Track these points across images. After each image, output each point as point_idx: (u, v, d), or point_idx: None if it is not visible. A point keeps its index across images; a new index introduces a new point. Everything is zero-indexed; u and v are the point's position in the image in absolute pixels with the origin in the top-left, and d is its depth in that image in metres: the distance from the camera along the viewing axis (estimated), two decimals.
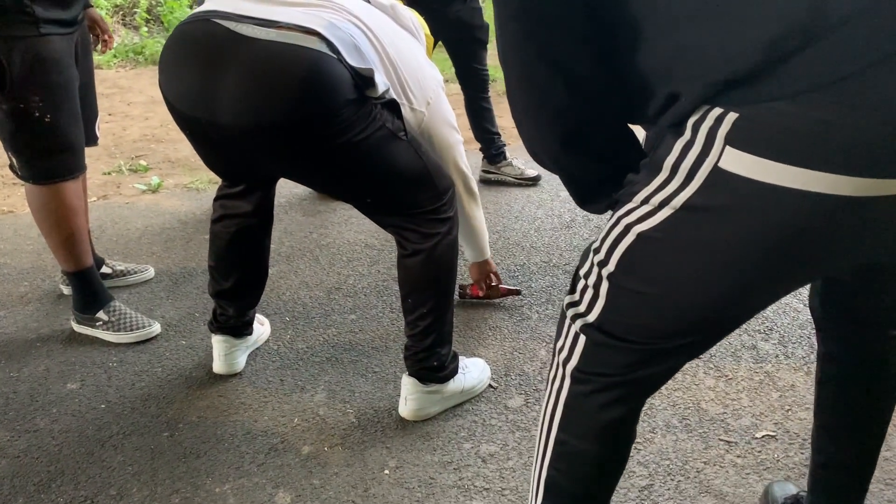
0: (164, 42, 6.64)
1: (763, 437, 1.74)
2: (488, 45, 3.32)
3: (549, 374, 1.10)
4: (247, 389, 1.96)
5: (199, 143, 1.63)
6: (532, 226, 3.01)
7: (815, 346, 2.07)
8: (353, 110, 1.45)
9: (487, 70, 3.32)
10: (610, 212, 1.02)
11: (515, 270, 2.62)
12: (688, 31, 0.79)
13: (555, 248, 2.80)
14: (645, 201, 0.87)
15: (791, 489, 1.49)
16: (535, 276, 2.57)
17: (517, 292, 2.41)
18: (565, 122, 0.93)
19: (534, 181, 3.46)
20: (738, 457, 1.68)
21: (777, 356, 2.06)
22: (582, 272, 1.01)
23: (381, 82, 1.50)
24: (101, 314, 2.18)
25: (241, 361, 2.04)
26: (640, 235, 0.89)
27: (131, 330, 2.18)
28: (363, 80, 1.45)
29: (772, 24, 0.72)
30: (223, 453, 1.71)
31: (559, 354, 1.06)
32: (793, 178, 0.74)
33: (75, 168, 2.05)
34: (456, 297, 2.42)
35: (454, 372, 1.85)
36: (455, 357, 1.86)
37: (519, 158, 3.55)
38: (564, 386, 1.05)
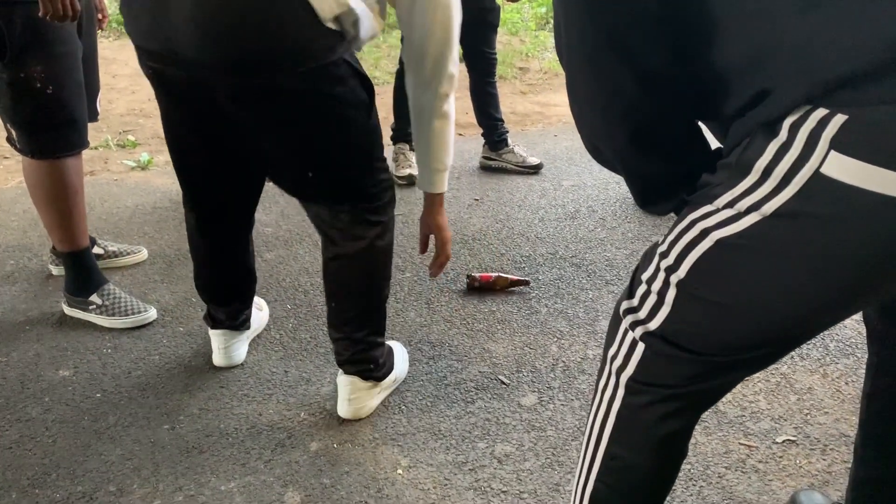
0: None
1: (784, 441, 1.70)
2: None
3: (598, 383, 1.04)
4: (249, 381, 1.88)
5: (163, 94, 1.51)
6: (536, 216, 2.95)
7: (829, 349, 2.05)
8: (325, 51, 1.34)
9: (496, 54, 3.24)
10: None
11: (521, 262, 2.55)
12: (785, 25, 0.73)
13: (560, 239, 2.74)
14: (729, 205, 0.81)
15: (819, 499, 1.46)
16: (542, 269, 2.50)
17: (526, 282, 2.36)
18: (634, 117, 0.87)
19: (535, 169, 3.39)
20: (760, 462, 1.63)
21: (792, 357, 2.02)
22: (644, 276, 0.95)
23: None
24: (94, 297, 2.08)
25: (241, 353, 1.96)
26: (719, 241, 0.82)
27: (126, 315, 2.08)
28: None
29: None
30: (228, 448, 1.64)
31: (612, 362, 1.00)
32: None
33: (77, 143, 1.95)
34: (464, 285, 2.36)
35: (390, 368, 1.80)
36: (390, 352, 1.82)
37: (520, 146, 3.48)
38: (618, 396, 0.99)
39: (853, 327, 2.13)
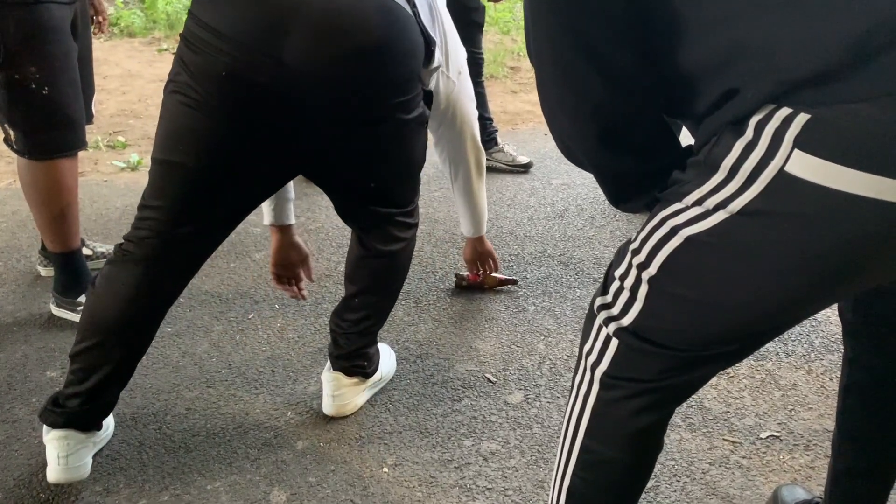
0: (139, 14, 6.36)
1: (767, 437, 1.71)
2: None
3: (574, 378, 1.05)
4: (237, 380, 1.88)
5: (222, 100, 1.27)
6: (525, 214, 2.96)
7: (814, 345, 2.06)
8: (416, 85, 1.40)
9: (482, 53, 3.25)
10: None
11: (510, 260, 2.56)
12: (751, 25, 0.74)
13: (549, 237, 2.75)
14: (697, 203, 0.82)
15: (801, 494, 1.47)
16: (530, 267, 2.51)
17: (514, 281, 2.36)
18: (604, 117, 0.88)
19: (525, 168, 3.40)
20: (744, 458, 1.65)
21: (777, 354, 2.03)
22: (617, 273, 0.96)
23: (438, 56, 1.46)
24: (83, 298, 2.08)
25: (88, 464, 1.53)
26: (688, 239, 0.84)
27: None
28: (429, 51, 1.41)
29: (859, 19, 0.66)
30: (214, 448, 1.64)
31: (587, 358, 1.01)
32: (867, 185, 0.69)
33: (74, 144, 1.96)
34: (452, 284, 2.37)
35: (377, 366, 1.82)
36: (377, 350, 1.83)
37: (510, 144, 3.49)
38: (592, 391, 1.00)
39: (838, 323, 2.13)
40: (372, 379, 1.79)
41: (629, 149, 0.92)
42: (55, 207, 2.00)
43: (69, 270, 2.10)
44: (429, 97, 1.53)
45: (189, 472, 1.57)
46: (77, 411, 1.46)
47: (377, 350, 1.82)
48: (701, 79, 0.81)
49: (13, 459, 1.60)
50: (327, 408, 1.75)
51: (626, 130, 0.90)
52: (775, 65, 0.72)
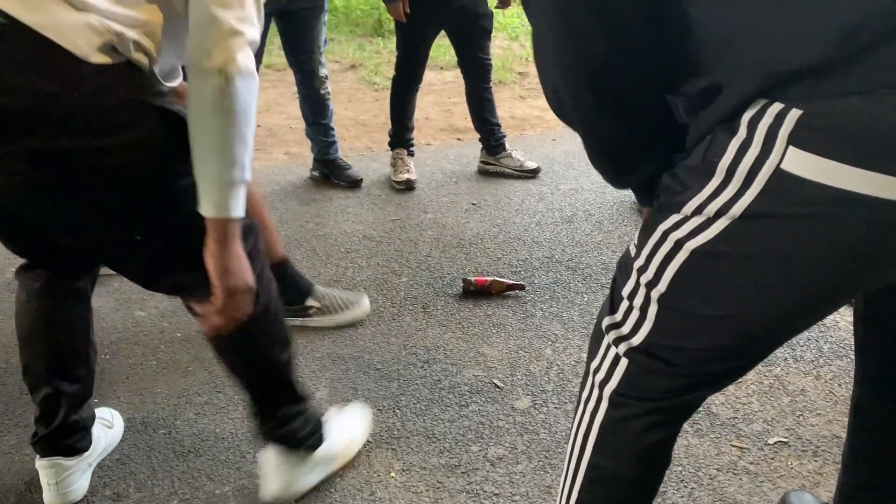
0: None
1: (775, 443, 1.71)
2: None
3: (581, 394, 1.05)
4: None
5: None
6: (533, 220, 2.96)
7: (823, 350, 2.06)
8: (96, 104, 1.02)
9: (490, 59, 3.26)
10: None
11: (518, 266, 2.57)
12: (738, 16, 0.72)
13: (557, 243, 2.75)
14: (697, 212, 0.80)
15: (809, 500, 1.46)
16: (537, 272, 2.52)
17: (521, 286, 2.37)
18: (602, 80, 0.82)
19: (533, 173, 3.41)
20: (751, 463, 1.64)
21: (786, 359, 2.03)
22: (625, 292, 0.94)
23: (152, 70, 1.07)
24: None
25: (82, 486, 1.52)
26: (694, 252, 0.82)
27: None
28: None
29: (849, 11, 0.65)
30: (223, 452, 1.66)
31: (595, 375, 1.00)
32: (864, 182, 0.68)
33: None
34: (459, 289, 2.37)
35: (319, 440, 1.52)
36: (313, 421, 1.51)
37: (518, 150, 3.50)
38: (601, 408, 0.99)
39: (847, 329, 2.14)
40: (321, 453, 1.52)
41: (622, 111, 0.86)
42: None
43: None
44: (171, 116, 1.11)
45: (198, 476, 1.58)
46: (47, 435, 1.45)
47: (314, 421, 1.52)
48: (698, 63, 0.79)
49: (25, 464, 1.61)
50: (265, 492, 1.50)
51: (624, 94, 0.84)
52: (763, 57, 0.71)
